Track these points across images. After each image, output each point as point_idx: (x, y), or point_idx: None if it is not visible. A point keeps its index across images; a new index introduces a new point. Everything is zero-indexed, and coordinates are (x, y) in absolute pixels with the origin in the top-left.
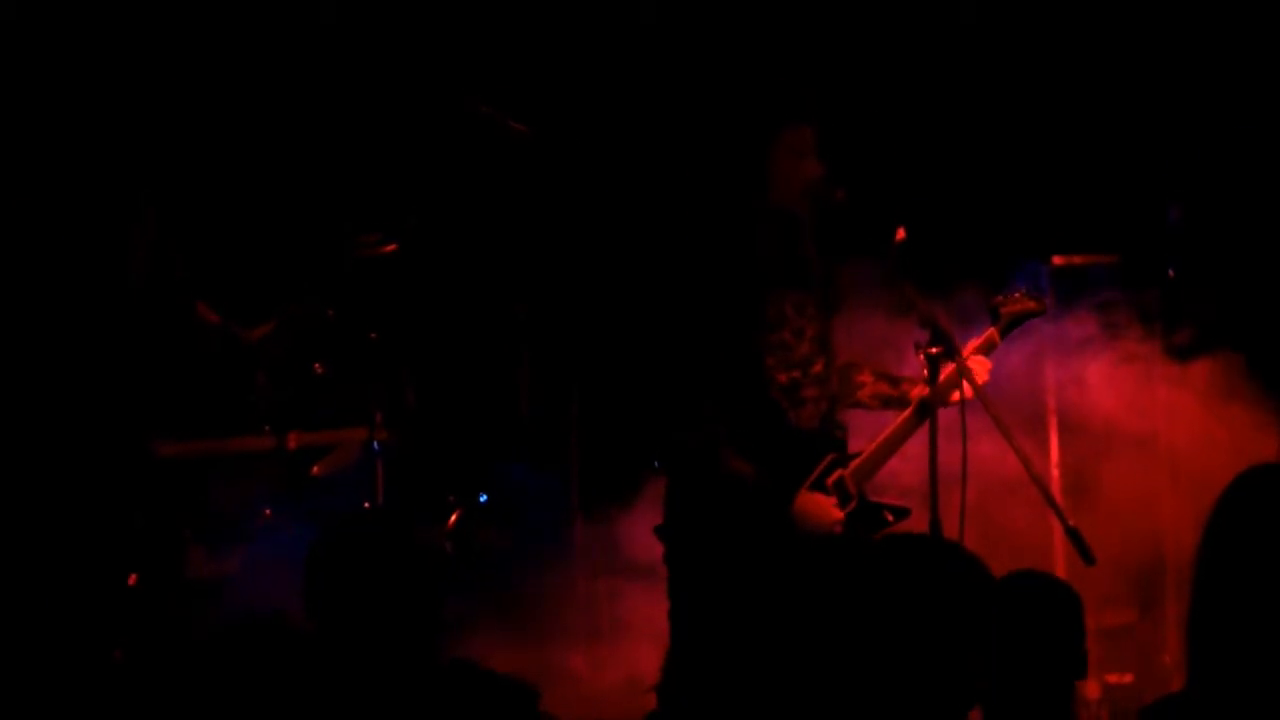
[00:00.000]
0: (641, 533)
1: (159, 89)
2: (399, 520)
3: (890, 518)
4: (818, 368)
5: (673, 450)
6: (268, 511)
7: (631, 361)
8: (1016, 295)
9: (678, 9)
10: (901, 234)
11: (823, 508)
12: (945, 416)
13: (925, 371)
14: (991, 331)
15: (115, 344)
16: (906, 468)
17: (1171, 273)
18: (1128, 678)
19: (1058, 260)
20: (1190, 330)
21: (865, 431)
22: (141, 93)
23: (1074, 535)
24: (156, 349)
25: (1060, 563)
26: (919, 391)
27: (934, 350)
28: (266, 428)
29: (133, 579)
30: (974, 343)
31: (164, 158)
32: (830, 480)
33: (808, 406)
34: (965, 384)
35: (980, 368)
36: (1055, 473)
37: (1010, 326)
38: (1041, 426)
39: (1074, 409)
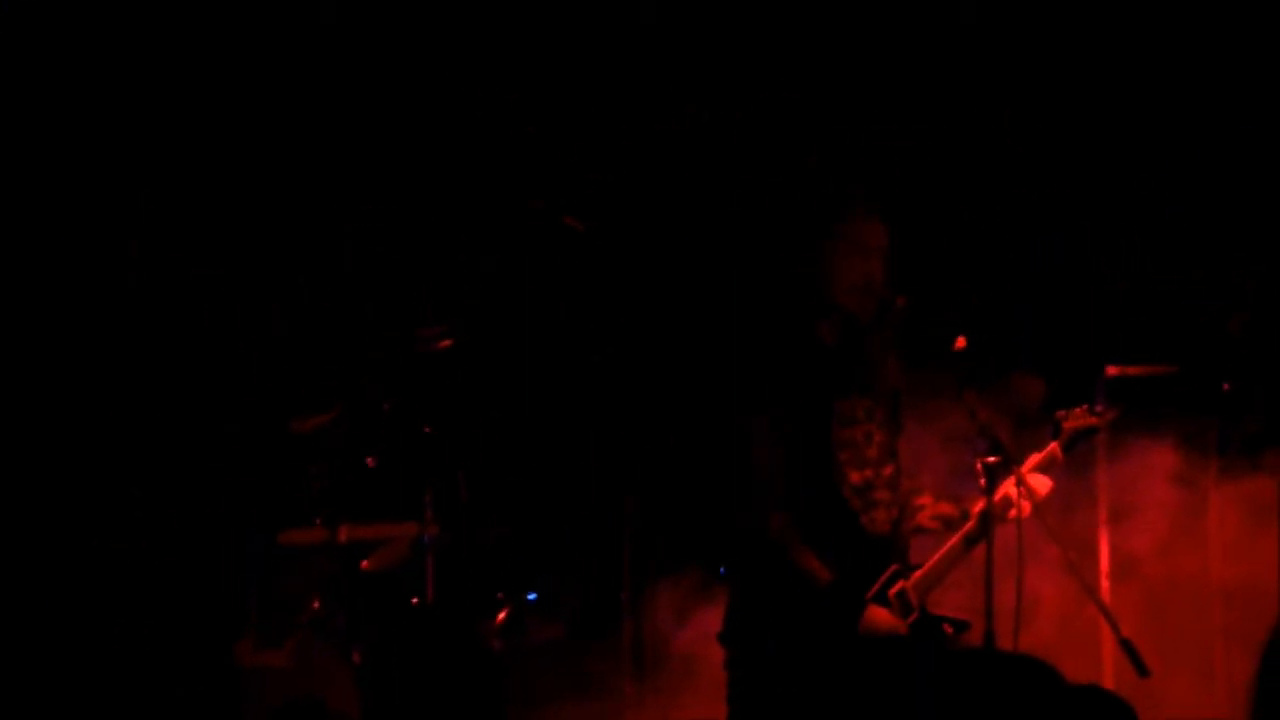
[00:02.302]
0: (693, 635)
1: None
2: (449, 617)
3: (950, 630)
4: (888, 470)
5: (745, 548)
6: (316, 604)
7: (700, 457)
8: (1079, 410)
9: (736, 101)
10: (962, 342)
11: (887, 620)
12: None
13: (983, 482)
14: (1053, 446)
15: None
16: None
17: (1227, 386)
18: None
19: (1112, 370)
20: (1242, 446)
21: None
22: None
23: (1128, 647)
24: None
25: (1109, 675)
26: (979, 506)
27: (992, 460)
28: (318, 520)
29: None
30: (1035, 458)
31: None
32: (892, 592)
33: (880, 510)
34: (1024, 499)
35: (1041, 485)
36: (1105, 584)
37: (1073, 442)
38: (1093, 537)
39: (1125, 520)
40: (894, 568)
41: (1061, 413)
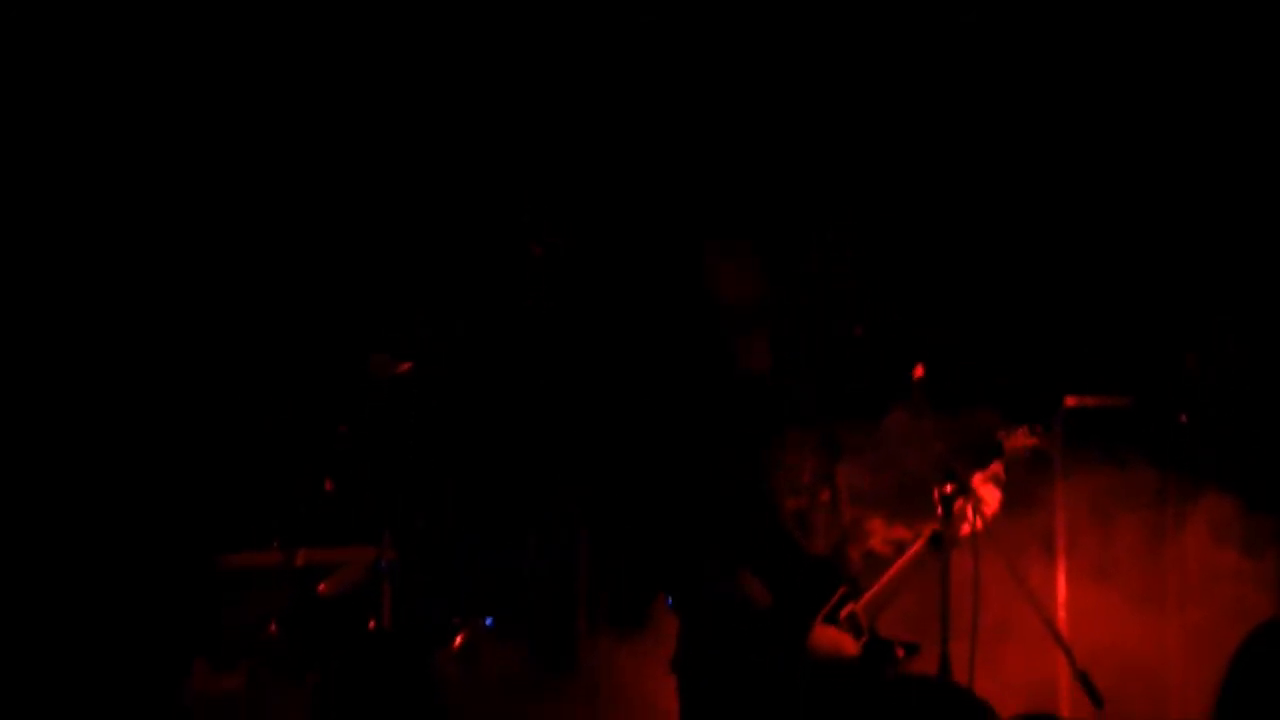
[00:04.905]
0: (647, 660)
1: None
2: (405, 642)
3: (901, 653)
4: (824, 496)
5: (688, 576)
6: (273, 628)
7: (643, 488)
8: (1020, 431)
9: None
10: (920, 371)
11: (836, 641)
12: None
13: (940, 512)
14: (997, 466)
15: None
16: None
17: (1184, 418)
18: None
19: (1070, 401)
20: (1195, 476)
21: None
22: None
23: (1083, 679)
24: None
25: (1065, 704)
26: (930, 527)
27: (948, 488)
28: (275, 543)
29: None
30: (980, 475)
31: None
32: (843, 614)
33: (818, 534)
34: (977, 519)
35: (990, 497)
36: (1062, 614)
37: (1015, 461)
38: (1050, 567)
39: (1082, 550)
40: (843, 589)
41: (1002, 433)
